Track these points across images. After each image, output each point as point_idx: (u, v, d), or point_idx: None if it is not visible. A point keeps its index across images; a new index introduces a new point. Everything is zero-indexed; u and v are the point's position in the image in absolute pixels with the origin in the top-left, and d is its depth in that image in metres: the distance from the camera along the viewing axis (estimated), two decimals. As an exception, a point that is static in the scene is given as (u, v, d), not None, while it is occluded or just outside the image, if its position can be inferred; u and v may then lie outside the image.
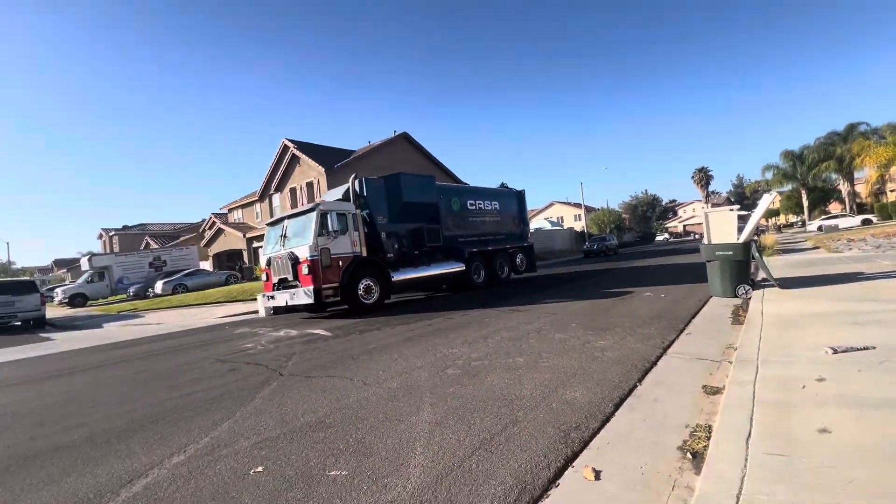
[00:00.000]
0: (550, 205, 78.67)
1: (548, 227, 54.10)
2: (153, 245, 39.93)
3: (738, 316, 6.14)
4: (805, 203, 42.96)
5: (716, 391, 3.45)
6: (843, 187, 40.69)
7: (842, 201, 43.38)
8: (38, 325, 15.80)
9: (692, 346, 4.87)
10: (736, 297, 7.51)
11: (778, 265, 11.54)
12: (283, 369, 5.24)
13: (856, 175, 39.61)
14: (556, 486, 2.27)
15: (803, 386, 3.21)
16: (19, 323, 15.61)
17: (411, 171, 23.91)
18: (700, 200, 70.48)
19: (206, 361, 6.18)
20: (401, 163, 28.21)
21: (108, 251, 48.30)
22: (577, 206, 63.75)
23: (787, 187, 45.06)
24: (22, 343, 11.43)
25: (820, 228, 34.12)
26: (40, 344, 11.08)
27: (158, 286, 24.33)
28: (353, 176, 11.25)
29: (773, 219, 70.29)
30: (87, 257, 27.58)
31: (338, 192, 11.49)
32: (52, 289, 30.30)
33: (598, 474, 2.35)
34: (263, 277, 10.92)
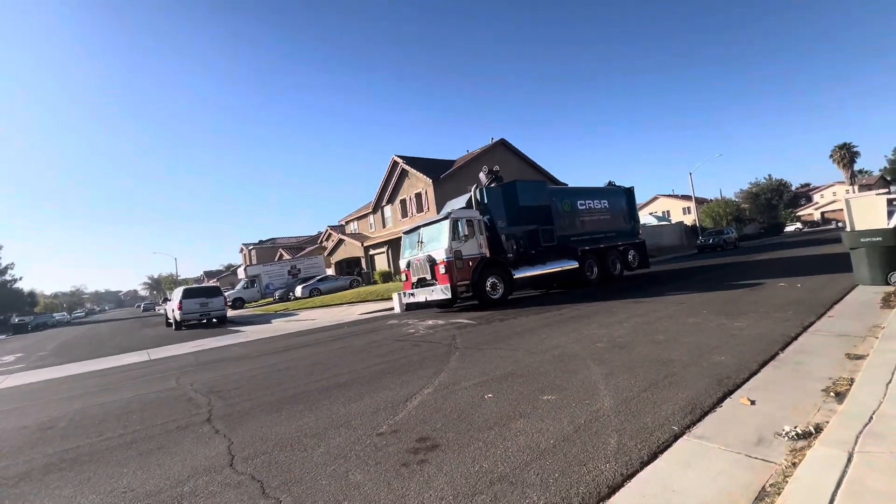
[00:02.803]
0: (655, 198, 73.65)
1: (654, 222, 50.99)
2: (285, 256, 46.28)
3: (889, 301, 6.11)
4: None
5: (859, 357, 3.94)
6: None
7: None
8: (221, 322, 19.85)
9: (835, 325, 5.20)
10: (888, 284, 7.26)
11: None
12: (455, 344, 6.63)
13: None
14: (721, 406, 3.15)
15: (951, 351, 3.60)
16: (207, 320, 19.82)
17: (511, 176, 24.96)
18: (843, 182, 60.59)
19: (388, 341, 7.89)
20: (500, 168, 29.35)
21: (248, 262, 56.92)
22: (686, 198, 58.99)
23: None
24: (224, 334, 14.75)
25: None
26: (237, 334, 14.21)
27: (298, 290, 28.54)
28: (474, 186, 12.67)
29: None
30: (244, 268, 33.38)
31: (461, 201, 12.98)
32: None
33: (752, 402, 3.17)
34: (403, 278, 12.79)
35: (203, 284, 29.69)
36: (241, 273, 33.74)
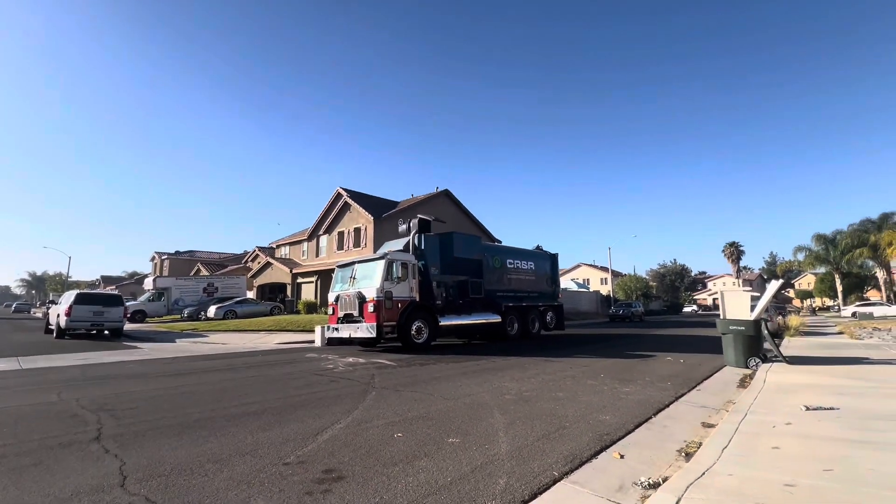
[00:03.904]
0: (577, 266, 79.45)
1: (574, 287, 54.77)
2: (203, 272, 43.01)
3: (745, 382, 7.28)
4: (839, 287, 42.49)
5: (710, 426, 4.72)
6: (880, 275, 40.28)
7: (879, 288, 42.68)
8: (115, 335, 17.84)
9: (700, 398, 6.11)
10: (747, 367, 8.60)
11: (796, 345, 12.44)
12: (373, 384, 6.74)
13: (892, 264, 39.32)
14: (596, 458, 3.65)
15: (773, 426, 4.49)
16: (105, 332, 17.72)
17: (449, 225, 26.01)
18: (731, 275, 69.93)
19: (305, 374, 7.75)
20: (441, 216, 30.45)
21: (157, 273, 51.95)
22: (604, 269, 64.42)
23: (821, 270, 44.88)
24: (118, 349, 13.33)
25: (854, 315, 33.76)
26: (133, 351, 12.91)
27: (211, 311, 26.51)
28: (413, 231, 13.16)
29: (808, 301, 68.55)
30: (153, 278, 30.45)
31: (399, 244, 13.36)
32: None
33: (622, 456, 3.72)
34: (329, 311, 12.64)
35: (100, 290, 26.59)
36: (148, 283, 30.75)
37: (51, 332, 18.14)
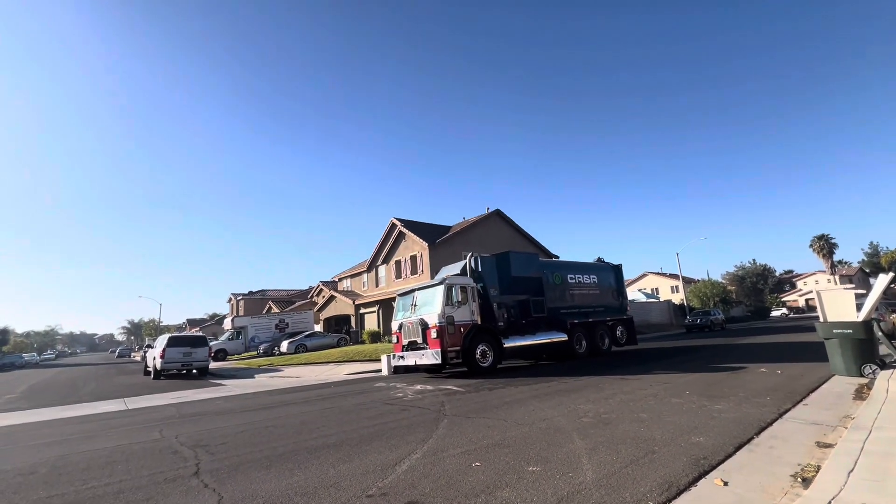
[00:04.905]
0: (643, 275, 75.22)
1: (642, 298, 51.76)
2: (274, 309, 45.74)
3: (862, 393, 6.38)
4: (965, 276, 36.55)
5: (827, 446, 4.16)
6: None
7: None
8: (202, 374, 19.29)
9: (808, 413, 5.42)
10: (861, 375, 7.56)
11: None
12: (444, 411, 6.69)
13: None
14: (696, 486, 3.32)
15: (910, 444, 3.86)
16: (188, 371, 19.26)
17: (503, 245, 25.83)
18: (824, 272, 62.70)
19: (376, 404, 7.88)
20: (494, 237, 30.41)
21: (235, 313, 55.97)
22: (673, 276, 60.40)
23: (937, 258, 38.96)
24: (205, 386, 14.37)
25: None
26: (218, 388, 13.86)
27: (284, 346, 27.99)
28: (469, 254, 13.20)
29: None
30: (231, 318, 32.94)
31: (456, 268, 13.43)
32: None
33: (726, 483, 3.36)
34: (394, 339, 12.86)
35: (187, 333, 29.16)
36: (227, 323, 33.24)
37: (149, 373, 20.02)
